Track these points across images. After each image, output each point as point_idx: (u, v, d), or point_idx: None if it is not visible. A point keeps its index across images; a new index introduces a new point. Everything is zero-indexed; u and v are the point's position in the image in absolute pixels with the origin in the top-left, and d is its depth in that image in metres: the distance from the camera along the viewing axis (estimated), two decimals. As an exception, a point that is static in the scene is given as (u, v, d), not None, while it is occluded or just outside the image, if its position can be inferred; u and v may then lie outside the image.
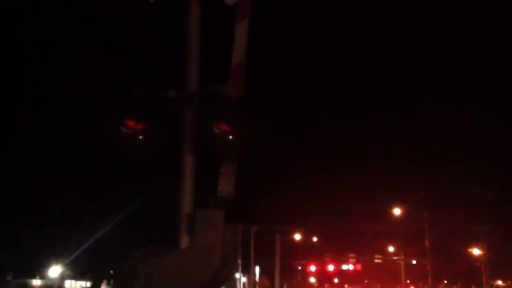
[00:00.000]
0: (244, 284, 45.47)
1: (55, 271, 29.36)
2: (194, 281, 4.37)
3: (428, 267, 45.27)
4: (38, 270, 28.07)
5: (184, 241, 4.47)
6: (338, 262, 55.12)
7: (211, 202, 4.43)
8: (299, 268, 58.13)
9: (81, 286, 29.72)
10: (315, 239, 54.44)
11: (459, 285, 44.57)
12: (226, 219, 4.41)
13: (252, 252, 36.40)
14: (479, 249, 43.12)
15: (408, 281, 52.86)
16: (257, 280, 49.41)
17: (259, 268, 48.63)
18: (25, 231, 16.34)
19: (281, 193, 35.86)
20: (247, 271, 42.69)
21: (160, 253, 4.45)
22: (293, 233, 50.72)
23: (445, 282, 45.90)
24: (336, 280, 60.74)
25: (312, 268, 57.57)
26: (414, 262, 52.63)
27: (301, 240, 52.41)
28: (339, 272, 57.11)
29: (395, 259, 53.19)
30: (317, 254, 55.83)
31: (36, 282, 30.46)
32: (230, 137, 4.39)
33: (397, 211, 44.55)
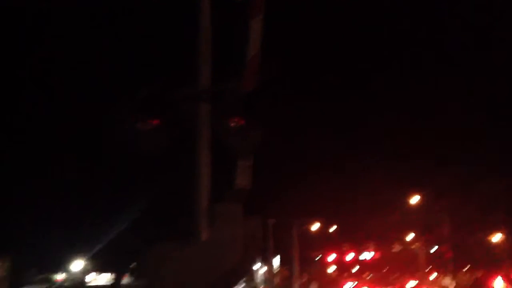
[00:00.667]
0: (263, 275, 45.75)
1: (77, 265, 29.92)
2: (215, 274, 4.42)
3: (448, 254, 45.10)
4: (61, 264, 28.60)
5: (204, 235, 4.56)
6: (356, 251, 55.11)
7: (228, 195, 4.51)
8: (318, 258, 58.27)
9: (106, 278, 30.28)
10: (333, 229, 54.46)
11: (479, 272, 44.35)
12: (244, 212, 4.46)
13: (271, 244, 36.64)
14: (498, 236, 42.81)
15: (427, 270, 52.62)
16: (276, 271, 49.63)
17: (278, 259, 48.85)
18: (47, 227, 16.68)
19: (298, 184, 35.83)
20: (266, 263, 42.94)
21: (180, 247, 4.54)
22: (311, 224, 50.81)
23: (464, 270, 45.72)
24: (355, 269, 60.71)
25: (331, 257, 57.64)
26: (433, 249, 52.42)
27: (318, 231, 52.47)
28: (358, 261, 57.07)
29: (414, 247, 53.02)
30: (335, 244, 55.89)
31: (59, 276, 31.06)
32: (246, 130, 4.47)
33: (415, 199, 44.36)
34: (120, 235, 15.61)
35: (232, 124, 4.53)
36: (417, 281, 48.42)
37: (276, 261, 49.88)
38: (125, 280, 24.83)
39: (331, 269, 65.84)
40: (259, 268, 42.91)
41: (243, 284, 35.95)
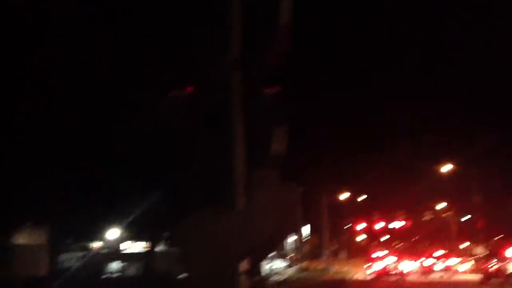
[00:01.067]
0: (293, 244, 46.30)
1: (113, 233, 30.83)
2: (251, 242, 4.37)
3: (479, 223, 44.64)
4: (97, 233, 29.47)
5: (240, 203, 4.46)
6: (386, 220, 55.11)
7: (264, 162, 4.43)
8: (347, 227, 58.49)
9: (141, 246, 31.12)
10: (362, 198, 54.44)
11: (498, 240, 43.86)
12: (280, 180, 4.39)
13: (300, 212, 36.95)
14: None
15: (458, 239, 52.28)
16: (306, 239, 50.14)
17: (308, 228, 49.29)
18: (84, 197, 17.19)
19: (328, 153, 35.72)
20: (296, 232, 43.36)
21: (215, 215, 4.45)
22: (340, 193, 50.90)
23: (495, 239, 45.28)
24: (384, 238, 60.77)
25: (360, 226, 57.84)
26: (464, 219, 51.96)
27: (348, 200, 52.56)
28: (387, 230, 57.13)
29: (445, 216, 52.64)
30: (365, 213, 55.97)
31: (96, 244, 32.08)
32: (280, 96, 4.48)
33: (447, 167, 43.81)
34: (154, 204, 15.99)
35: (266, 91, 4.58)
36: (446, 250, 48.24)
37: (306, 230, 50.35)
38: (159, 247, 25.49)
39: (361, 238, 66.16)
40: (289, 237, 43.40)
41: (274, 252, 36.50)
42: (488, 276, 32.16)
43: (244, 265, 4.47)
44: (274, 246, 4.66)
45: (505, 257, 34.07)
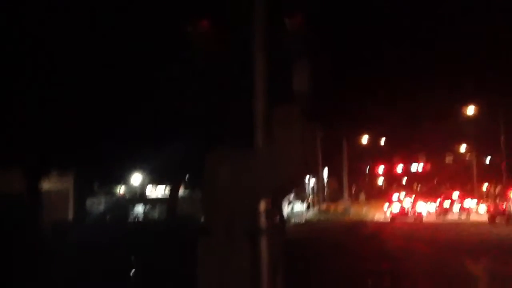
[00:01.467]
0: (313, 186, 46.76)
1: (137, 178, 31.55)
2: (272, 180, 4.31)
3: (503, 165, 44.26)
4: (122, 178, 30.16)
5: (261, 141, 4.38)
6: (407, 163, 55.04)
7: (286, 98, 4.34)
8: (367, 170, 58.68)
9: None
10: (383, 141, 54.24)
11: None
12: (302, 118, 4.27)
13: (320, 155, 37.02)
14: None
15: (479, 180, 52.12)
16: (326, 182, 50.57)
17: (328, 170, 49.59)
18: (109, 141, 17.44)
19: (348, 95, 35.32)
20: (316, 174, 43.70)
21: (237, 154, 4.43)
22: (360, 135, 50.78)
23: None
24: (404, 181, 60.95)
25: (380, 169, 57.95)
26: (487, 161, 51.54)
27: (369, 142, 52.47)
28: (407, 173, 57.15)
29: (467, 158, 52.26)
30: (385, 156, 55.89)
31: (120, 189, 32.92)
32: (304, 30, 4.34)
33: (470, 109, 43.10)
34: (176, 148, 16.15)
35: (290, 24, 4.42)
36: (464, 192, 48.31)
37: (325, 173, 50.69)
38: (181, 191, 26.02)
39: (380, 180, 66.45)
40: (309, 179, 43.79)
41: (293, 194, 36.98)
42: (494, 216, 33.60)
43: (264, 205, 4.49)
44: (294, 185, 4.64)
45: (509, 197, 35.89)
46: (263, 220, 4.38)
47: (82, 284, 9.27)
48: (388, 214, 39.65)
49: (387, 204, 42.01)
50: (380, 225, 32.39)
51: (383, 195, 50.41)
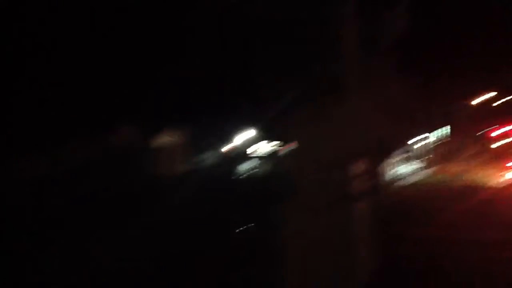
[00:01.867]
0: (425, 146, 45.13)
1: (243, 136, 32.49)
2: (364, 140, 4.31)
3: None
4: (229, 135, 31.25)
5: (352, 95, 4.29)
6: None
7: (379, 46, 4.13)
8: (484, 132, 55.16)
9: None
10: (499, 102, 50.44)
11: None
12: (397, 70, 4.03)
13: (434, 114, 35.33)
14: None
15: None
16: (435, 144, 48.53)
17: (438, 132, 47.42)
18: (214, 100, 18.06)
19: (466, 52, 32.91)
20: (424, 135, 42.04)
21: (332, 107, 4.36)
22: (478, 95, 47.60)
23: None
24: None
25: (498, 132, 54.10)
26: None
27: (482, 104, 49.13)
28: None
29: None
30: (504, 118, 52.02)
31: (227, 146, 34.16)
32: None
33: None
34: (282, 106, 16.29)
35: None
36: None
37: (435, 135, 48.47)
38: (286, 149, 26.35)
39: (497, 144, 61.98)
40: (417, 141, 42.24)
41: (400, 156, 35.89)
42: None
43: (359, 167, 4.39)
44: (393, 146, 4.41)
45: None
46: (357, 183, 4.33)
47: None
48: (502, 180, 37.38)
49: (502, 170, 39.49)
50: (493, 191, 30.62)
51: (500, 160, 47.27)
